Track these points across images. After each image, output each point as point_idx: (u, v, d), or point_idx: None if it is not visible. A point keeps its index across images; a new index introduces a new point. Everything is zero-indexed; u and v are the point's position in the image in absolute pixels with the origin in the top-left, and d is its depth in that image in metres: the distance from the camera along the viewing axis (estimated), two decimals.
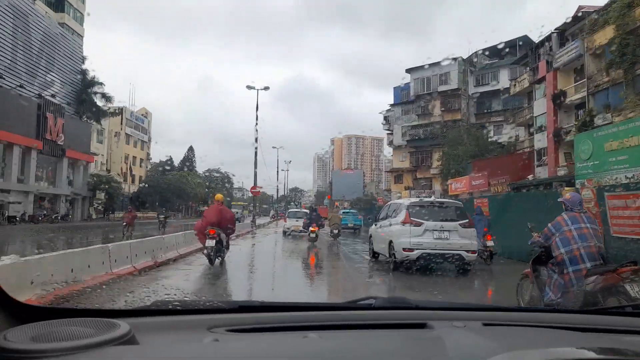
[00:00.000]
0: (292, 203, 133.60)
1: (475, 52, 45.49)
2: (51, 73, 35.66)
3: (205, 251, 10.10)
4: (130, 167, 60.35)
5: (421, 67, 44.22)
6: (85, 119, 39.83)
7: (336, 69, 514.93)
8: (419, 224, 10.07)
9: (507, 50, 42.80)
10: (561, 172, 29.02)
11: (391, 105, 54.20)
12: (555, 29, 30.71)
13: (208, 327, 1.07)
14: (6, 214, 30.01)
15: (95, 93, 40.57)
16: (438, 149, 41.58)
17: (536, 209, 11.45)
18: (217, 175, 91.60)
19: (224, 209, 10.85)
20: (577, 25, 28.58)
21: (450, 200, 13.00)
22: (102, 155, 56.50)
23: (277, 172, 60.26)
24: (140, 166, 68.71)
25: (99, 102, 41.84)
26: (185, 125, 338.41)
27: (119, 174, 59.65)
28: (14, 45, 31.58)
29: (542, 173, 30.95)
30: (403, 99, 51.84)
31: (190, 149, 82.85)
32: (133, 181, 64.76)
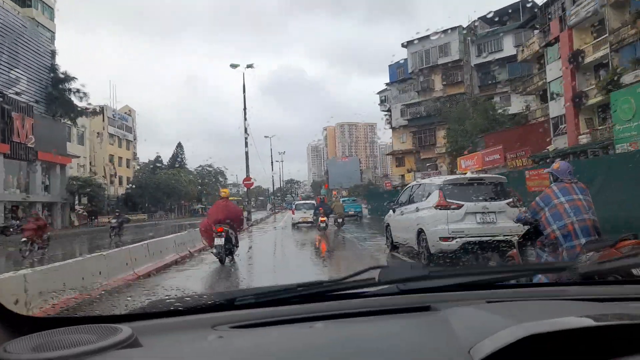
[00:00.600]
0: (289, 195, 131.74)
1: (473, 21, 42.49)
2: (16, 70, 32.38)
3: (214, 250, 9.59)
4: (115, 168, 57.06)
5: (418, 40, 41.20)
6: (59, 117, 36.50)
7: (323, 58, 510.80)
8: (459, 206, 8.45)
9: (508, 14, 39.86)
10: (583, 140, 26.37)
11: (387, 84, 51.21)
12: None
13: (212, 325, 1.06)
14: None
15: (69, 90, 37.25)
16: (442, 126, 38.76)
17: (618, 176, 8.81)
18: (210, 169, 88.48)
19: (230, 204, 10.39)
20: None
21: (491, 175, 10.60)
22: (85, 157, 53.25)
23: (272, 162, 57.32)
24: (128, 167, 65.45)
25: (75, 100, 38.54)
26: (175, 124, 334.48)
27: (104, 176, 56.52)
28: None
29: (560, 143, 28.26)
30: (399, 76, 48.85)
31: (179, 145, 79.61)
32: (120, 182, 61.69)
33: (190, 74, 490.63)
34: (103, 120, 58.81)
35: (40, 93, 35.02)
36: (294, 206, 26.22)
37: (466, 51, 39.32)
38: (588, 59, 26.25)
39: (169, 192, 60.56)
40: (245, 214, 28.73)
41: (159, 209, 60.17)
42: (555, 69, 29.30)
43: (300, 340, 0.98)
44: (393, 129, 49.56)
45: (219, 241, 9.48)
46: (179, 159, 78.03)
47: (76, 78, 36.97)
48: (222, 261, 9.63)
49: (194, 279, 8.79)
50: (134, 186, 56.42)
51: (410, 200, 10.28)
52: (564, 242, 4.10)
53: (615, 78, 22.81)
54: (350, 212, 28.49)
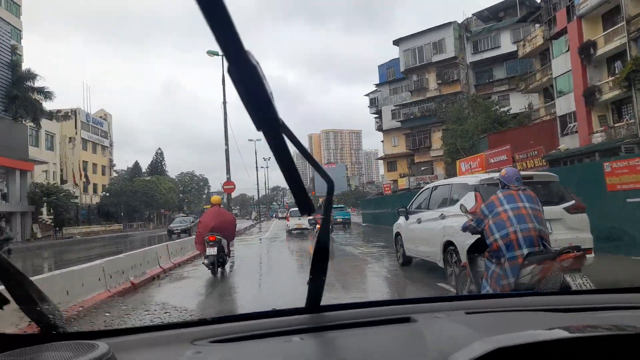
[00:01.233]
0: (275, 203, 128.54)
1: (466, 19, 40.48)
2: None
3: (205, 261, 9.29)
4: (86, 175, 53.34)
5: (411, 37, 38.92)
6: (20, 119, 32.99)
7: (302, 66, 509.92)
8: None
9: (504, 10, 37.94)
10: (598, 139, 24.19)
11: (377, 85, 48.85)
12: None
13: (191, 340, 1.05)
14: None
15: (32, 89, 33.82)
16: (438, 128, 36.41)
17: None
18: (193, 177, 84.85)
19: (222, 212, 10.07)
20: None
21: (542, 173, 8.26)
22: (55, 163, 49.56)
23: (257, 167, 54.33)
24: (104, 174, 61.72)
25: (41, 100, 35.05)
26: (156, 133, 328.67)
27: (76, 184, 52.79)
28: None
29: (568, 143, 26.06)
30: (390, 77, 46.55)
31: (159, 152, 75.88)
32: (95, 191, 57.93)
33: (169, 84, 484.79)
34: (75, 125, 55.27)
35: None
36: (288, 213, 26.50)
37: (462, 48, 37.14)
38: (600, 51, 24.14)
39: (147, 201, 57.02)
40: None
41: (136, 218, 56.48)
42: (561, 64, 27.19)
43: (280, 354, 0.97)
44: (384, 132, 47.13)
45: (212, 251, 9.07)
46: (159, 166, 74.40)
47: (40, 76, 33.60)
48: (214, 272, 9.26)
49: (180, 297, 7.96)
50: (107, 194, 52.73)
51: (430, 205, 8.65)
52: (506, 252, 3.95)
53: (633, 69, 20.70)
54: (338, 220, 28.54)
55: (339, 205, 41.07)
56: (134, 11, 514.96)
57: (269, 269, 12.16)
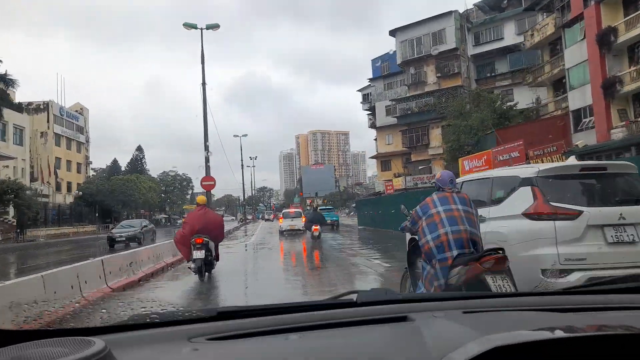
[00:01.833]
0: (261, 204, 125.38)
1: (466, 10, 38.24)
2: None
3: (192, 265, 8.89)
4: (56, 172, 49.80)
5: (409, 27, 36.47)
6: None
7: (289, 66, 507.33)
8: (574, 215, 4.75)
9: (507, 0, 35.78)
10: (619, 135, 22.00)
11: (370, 80, 46.36)
12: None
13: (188, 338, 1.04)
14: None
15: None
16: (437, 124, 34.01)
17: None
18: (177, 176, 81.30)
19: (208, 213, 9.83)
20: None
21: (617, 163, 6.46)
22: (24, 159, 45.99)
23: (242, 165, 51.38)
24: (79, 172, 58.11)
25: (5, 89, 31.78)
26: (138, 131, 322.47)
27: (48, 182, 49.26)
28: None
29: (583, 139, 23.84)
30: (384, 71, 44.09)
31: (139, 149, 72.30)
32: (69, 189, 54.37)
33: (154, 83, 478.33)
34: (48, 118, 51.72)
35: None
36: (281, 214, 29.03)
37: (463, 39, 34.82)
38: (621, 39, 21.94)
39: (125, 201, 53.67)
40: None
41: (113, 219, 53.06)
42: (575, 54, 24.96)
43: (276, 351, 0.98)
44: (377, 129, 44.64)
45: (199, 254, 8.76)
46: (139, 164, 70.87)
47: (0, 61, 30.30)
48: (201, 276, 8.98)
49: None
50: (81, 193, 49.26)
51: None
52: (437, 253, 3.95)
53: None
54: (328, 221, 28.58)
55: (327, 207, 40.18)
56: (117, 12, 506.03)
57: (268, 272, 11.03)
